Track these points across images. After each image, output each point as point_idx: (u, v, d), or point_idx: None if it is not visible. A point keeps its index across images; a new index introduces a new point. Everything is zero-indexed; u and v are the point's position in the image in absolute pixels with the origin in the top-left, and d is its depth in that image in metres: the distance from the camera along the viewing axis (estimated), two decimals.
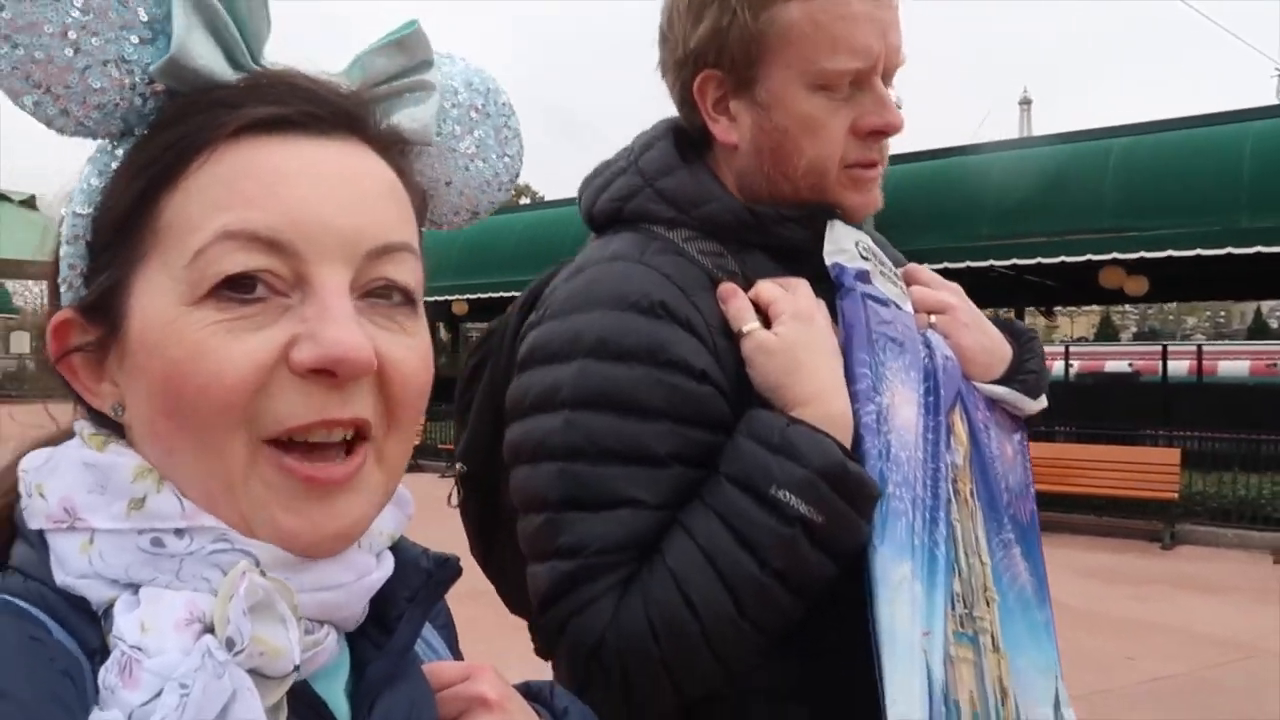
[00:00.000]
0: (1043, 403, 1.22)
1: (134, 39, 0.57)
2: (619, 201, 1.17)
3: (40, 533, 0.57)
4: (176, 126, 0.57)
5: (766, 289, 1.09)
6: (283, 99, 0.58)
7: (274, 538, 0.56)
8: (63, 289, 0.61)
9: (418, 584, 0.67)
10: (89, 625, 0.54)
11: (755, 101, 1.12)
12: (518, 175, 0.80)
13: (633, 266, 1.08)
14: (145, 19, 0.57)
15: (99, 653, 0.53)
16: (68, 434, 0.62)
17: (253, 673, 0.52)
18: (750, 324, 1.06)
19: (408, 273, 0.61)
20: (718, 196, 1.13)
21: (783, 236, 1.13)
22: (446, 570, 0.69)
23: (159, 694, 0.50)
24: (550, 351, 1.06)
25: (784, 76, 1.10)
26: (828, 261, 1.13)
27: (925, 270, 1.24)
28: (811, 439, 0.98)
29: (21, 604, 0.54)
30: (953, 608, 1.05)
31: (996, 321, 1.26)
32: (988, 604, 1.11)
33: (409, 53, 0.67)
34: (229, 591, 0.53)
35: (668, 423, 1.02)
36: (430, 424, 14.35)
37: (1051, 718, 1.14)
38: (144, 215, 0.57)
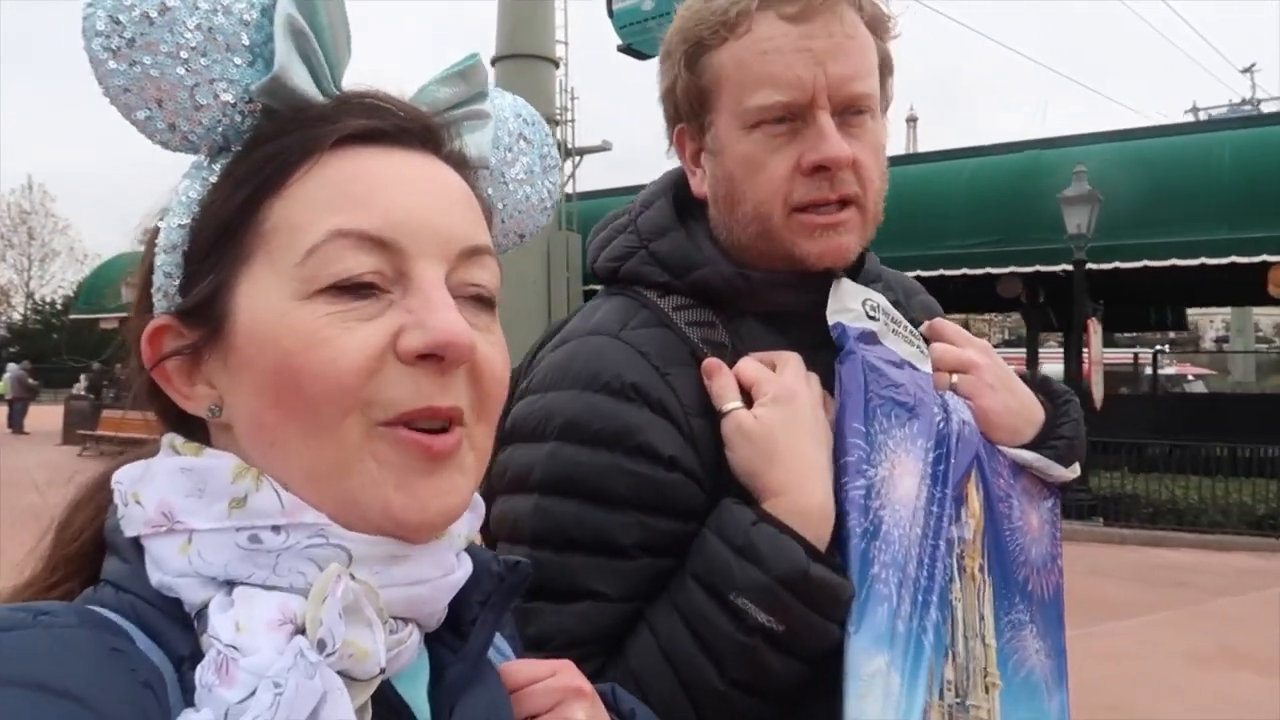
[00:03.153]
0: (1076, 471, 1.17)
1: (237, 60, 0.63)
2: (616, 262, 1.18)
3: (135, 541, 0.61)
4: (278, 140, 0.63)
5: (749, 369, 1.07)
6: (375, 114, 0.65)
7: (383, 517, 0.60)
8: (157, 298, 0.65)
9: (490, 588, 0.70)
10: (180, 632, 0.58)
11: (708, 150, 1.14)
12: (558, 201, 0.87)
13: (609, 343, 1.09)
14: (247, 43, 0.63)
15: (188, 659, 0.56)
16: (151, 453, 0.65)
17: (341, 674, 0.55)
18: (731, 403, 1.04)
19: (490, 276, 0.67)
20: (709, 261, 1.12)
21: (777, 302, 1.12)
22: (518, 574, 0.72)
23: (254, 692, 0.52)
24: (527, 430, 1.07)
25: (725, 121, 1.11)
26: (830, 321, 1.10)
27: (951, 326, 1.21)
28: (775, 541, 0.96)
29: (108, 614, 0.58)
30: (941, 697, 1.01)
31: (1030, 380, 1.21)
32: (986, 690, 1.06)
33: (470, 83, 0.73)
34: (321, 593, 0.56)
35: (634, 513, 1.02)
36: None
37: None
38: (248, 221, 0.62)
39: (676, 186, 1.20)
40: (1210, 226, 10.20)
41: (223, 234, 0.62)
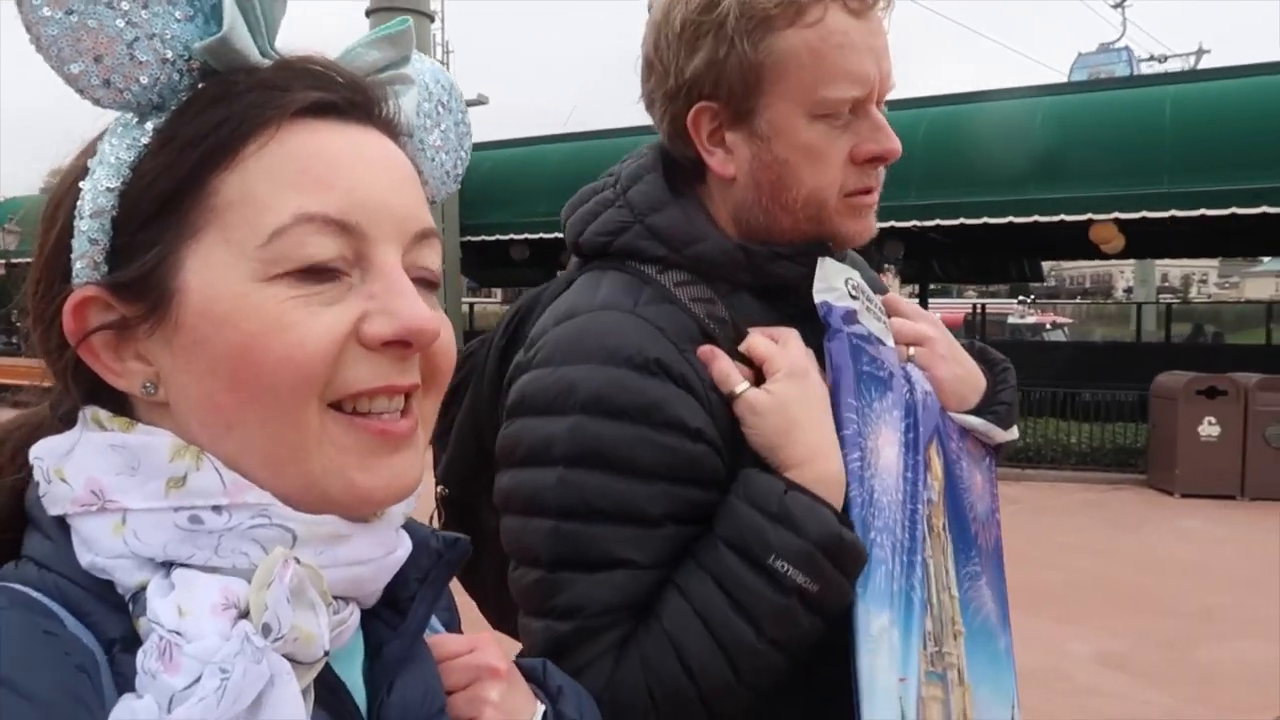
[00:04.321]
0: (1014, 433, 1.29)
1: (178, 15, 0.61)
2: (608, 236, 1.19)
3: (60, 520, 0.60)
4: (226, 104, 0.61)
5: (759, 344, 1.12)
6: (325, 84, 0.64)
7: (348, 497, 0.61)
8: (79, 264, 0.61)
9: (429, 565, 0.71)
10: (109, 614, 0.57)
11: (754, 133, 1.15)
12: (465, 168, 0.87)
13: (625, 318, 1.11)
14: None
15: (118, 642, 0.56)
16: (59, 419, 0.65)
17: (285, 658, 0.56)
18: (740, 385, 1.09)
19: (438, 259, 0.68)
20: (709, 235, 1.16)
21: (775, 274, 1.17)
22: (457, 551, 0.73)
23: (198, 678, 0.52)
24: (543, 403, 1.09)
25: (784, 107, 1.12)
26: (816, 300, 1.16)
27: (904, 301, 1.30)
28: (809, 508, 1.03)
29: (34, 595, 0.57)
30: (925, 647, 1.11)
31: (970, 349, 1.32)
32: (955, 638, 1.16)
33: (398, 47, 0.72)
34: (267, 578, 0.56)
35: (661, 483, 1.05)
36: None
37: None
38: (194, 191, 0.60)
39: (663, 161, 1.22)
40: (1034, 187, 11.04)
41: (165, 204, 0.60)
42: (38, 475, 0.61)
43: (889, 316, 1.25)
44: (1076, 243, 12.57)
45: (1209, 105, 11.04)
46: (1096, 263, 44.34)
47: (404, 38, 0.72)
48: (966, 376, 1.26)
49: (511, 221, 13.97)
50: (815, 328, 1.16)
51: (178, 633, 0.54)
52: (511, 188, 13.81)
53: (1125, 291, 47.55)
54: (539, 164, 14.38)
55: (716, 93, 1.13)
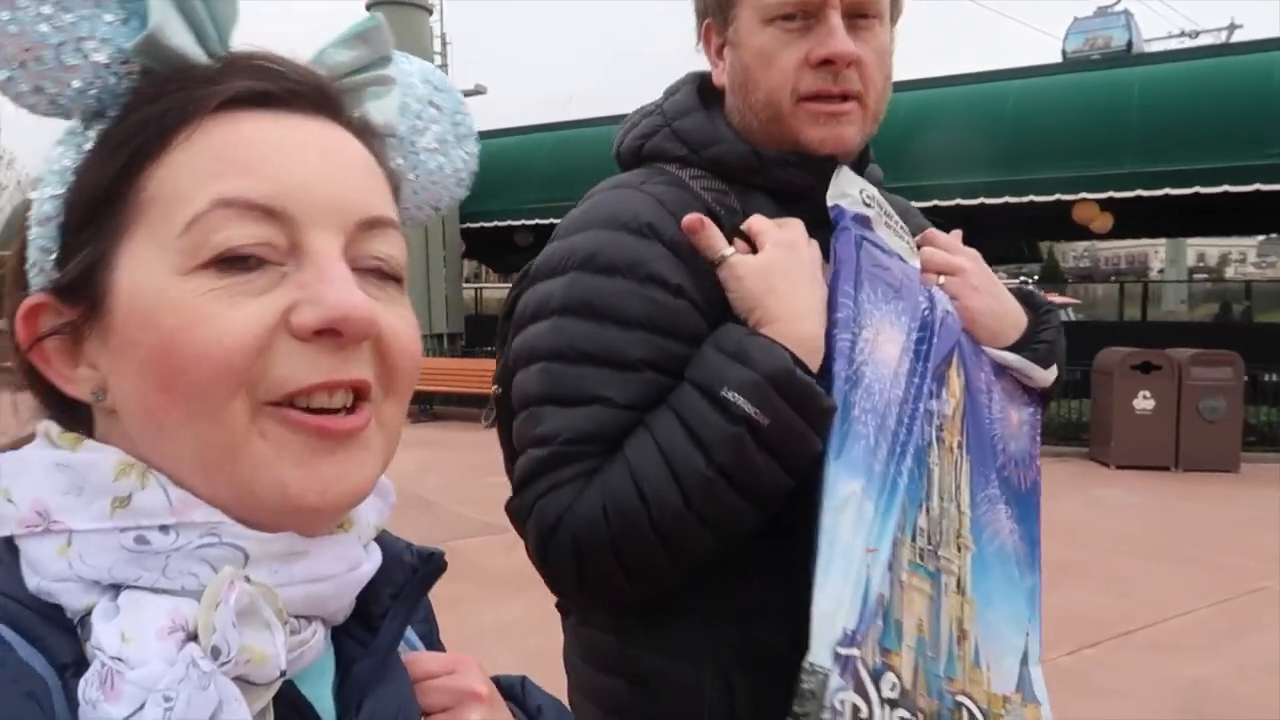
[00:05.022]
0: (1053, 374, 1.32)
1: (108, 17, 0.60)
2: (641, 139, 1.32)
3: (9, 541, 0.59)
4: (156, 103, 0.60)
5: (756, 220, 1.20)
6: (263, 75, 0.62)
7: (281, 499, 0.58)
8: (32, 274, 0.61)
9: (402, 580, 0.70)
10: (60, 637, 0.56)
11: (731, 43, 1.27)
12: (475, 172, 0.84)
13: (631, 192, 1.24)
14: None
15: (70, 667, 0.55)
16: (29, 438, 0.63)
17: (238, 680, 0.54)
18: (726, 250, 1.17)
19: (394, 248, 0.65)
20: (726, 139, 1.27)
21: (786, 180, 1.24)
22: (431, 565, 0.72)
23: (141, 706, 0.51)
24: (550, 267, 1.22)
25: (746, 15, 1.24)
26: (829, 203, 1.23)
27: (944, 235, 1.36)
28: (765, 347, 1.10)
29: None
30: (914, 540, 1.14)
31: (1016, 292, 1.36)
32: (959, 549, 1.19)
33: (371, 47, 0.70)
34: (214, 599, 0.55)
35: (642, 332, 1.15)
36: None
37: (1016, 670, 1.24)
38: (125, 190, 0.59)
39: (700, 79, 1.34)
40: (1001, 169, 11.43)
41: (99, 204, 0.59)
42: None
43: (925, 246, 1.32)
44: (1062, 223, 12.90)
45: (1176, 85, 11.56)
46: (1129, 242, 44.21)
47: (377, 35, 0.70)
48: (1003, 311, 1.30)
49: (511, 208, 14.47)
50: (828, 237, 1.22)
51: (120, 659, 0.53)
52: (510, 175, 14.18)
53: (1159, 272, 47.11)
54: (536, 151, 14.93)
55: (708, 9, 1.30)
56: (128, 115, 0.61)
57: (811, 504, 1.09)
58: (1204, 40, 31.14)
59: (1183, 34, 34.56)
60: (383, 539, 0.71)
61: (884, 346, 1.17)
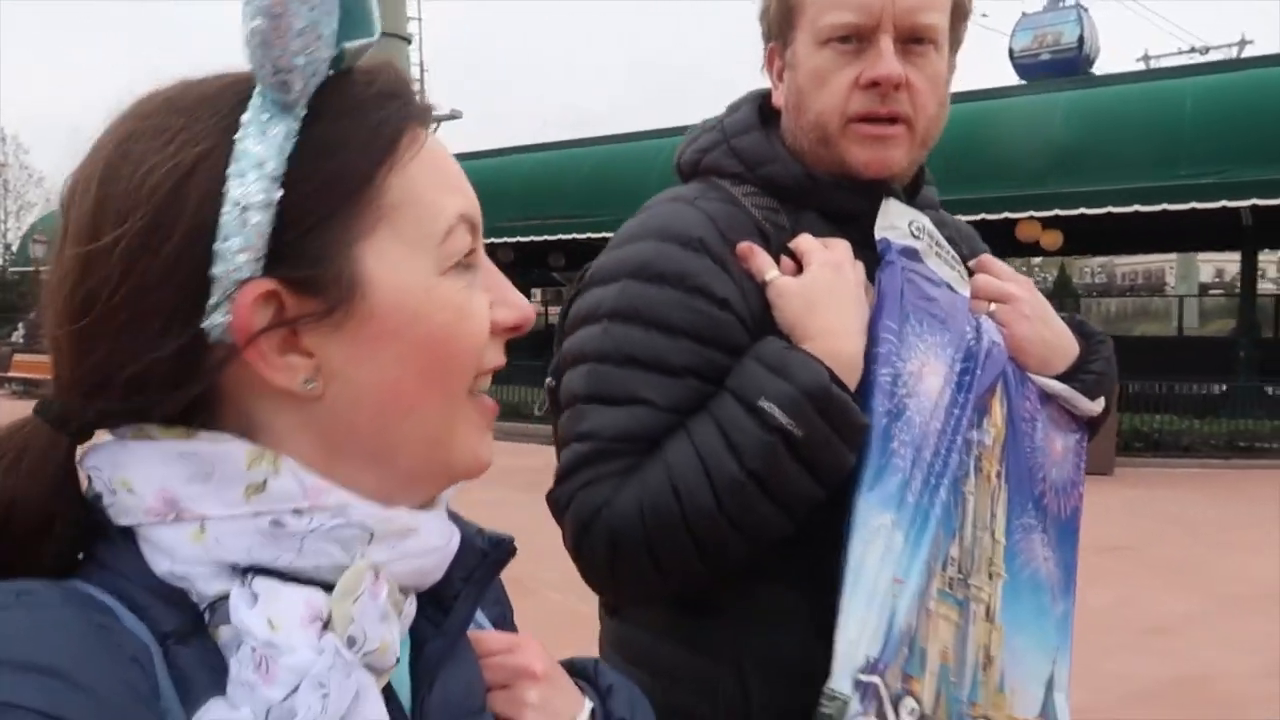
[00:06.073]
0: (1100, 405, 1.37)
1: (333, 16, 0.62)
2: (700, 153, 1.38)
3: (127, 529, 0.62)
4: (372, 108, 0.64)
5: (804, 239, 1.27)
6: (411, 91, 0.68)
7: (472, 465, 0.69)
8: (241, 258, 0.59)
9: (473, 564, 0.74)
10: (164, 608, 0.60)
11: (790, 65, 1.33)
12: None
13: (684, 207, 1.30)
14: None
15: (172, 635, 0.59)
16: (57, 426, 0.62)
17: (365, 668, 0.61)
18: (772, 272, 1.24)
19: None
20: (781, 159, 1.32)
21: (838, 203, 1.31)
22: (501, 550, 0.76)
23: (295, 690, 0.56)
24: (602, 275, 1.29)
25: (803, 38, 1.29)
26: (876, 235, 1.29)
27: (998, 263, 1.42)
28: (803, 362, 1.15)
29: (90, 590, 0.59)
30: (945, 569, 1.19)
31: (1069, 321, 1.41)
32: (990, 577, 1.24)
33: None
34: (353, 590, 0.60)
35: (686, 340, 1.21)
36: None
37: (1040, 697, 1.27)
38: (368, 190, 0.63)
39: (761, 99, 1.40)
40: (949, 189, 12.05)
41: (344, 202, 0.62)
42: (98, 486, 0.62)
43: (978, 273, 1.37)
44: (1006, 240, 13.26)
45: (1102, 107, 12.57)
46: (1147, 257, 44.69)
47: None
48: (1053, 340, 1.34)
49: (491, 226, 14.79)
50: (875, 258, 1.28)
51: (272, 644, 0.57)
52: (487, 196, 14.69)
53: (1169, 287, 47.24)
54: (512, 172, 15.40)
55: (771, 33, 1.36)
56: (346, 116, 0.63)
57: (840, 516, 1.15)
58: (1214, 57, 31.23)
59: (1192, 50, 34.71)
60: (454, 519, 0.74)
61: (927, 379, 1.21)
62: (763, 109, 1.39)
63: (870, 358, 1.19)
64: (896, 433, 1.17)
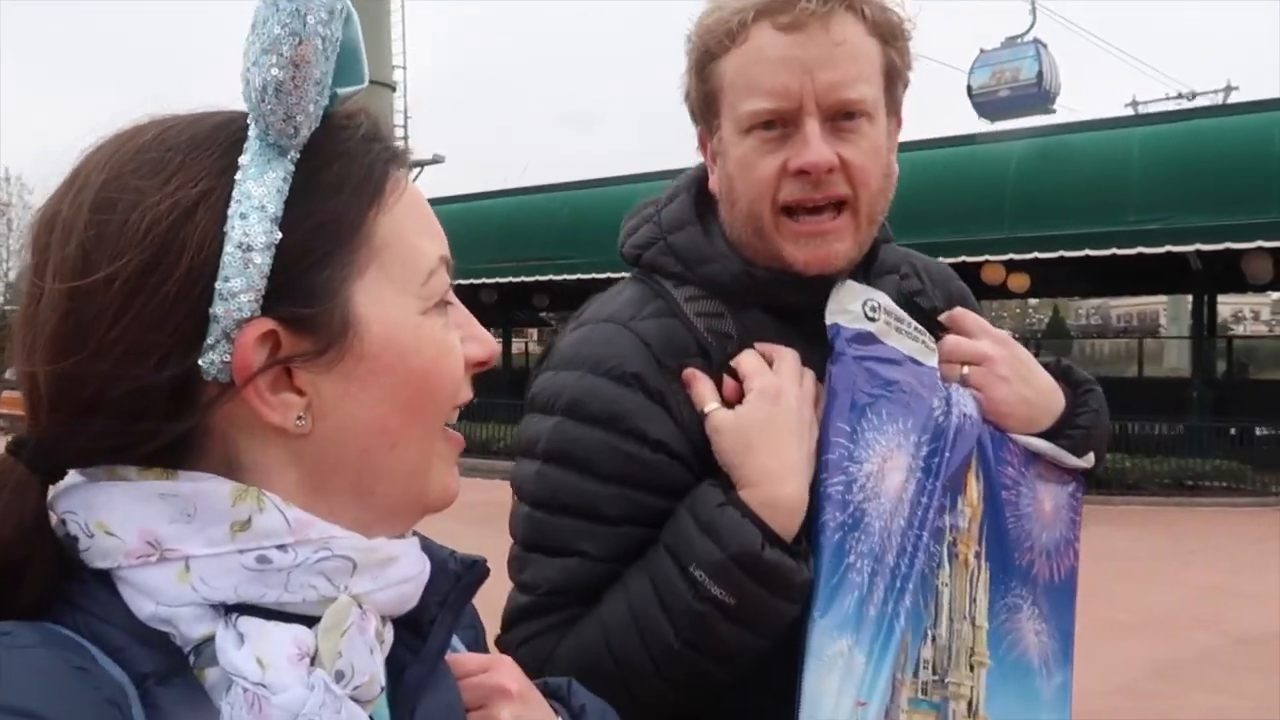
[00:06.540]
0: (1090, 460, 1.29)
1: (334, 63, 0.65)
2: (638, 249, 1.34)
3: (100, 571, 0.62)
4: (359, 151, 0.67)
5: (746, 361, 1.22)
6: (392, 137, 0.71)
7: (442, 496, 0.72)
8: (243, 298, 0.60)
9: (447, 588, 0.75)
10: (141, 649, 0.60)
11: (716, 151, 1.29)
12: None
13: (619, 331, 1.25)
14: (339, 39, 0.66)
15: (150, 676, 0.59)
16: (30, 466, 0.62)
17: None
18: (710, 405, 1.19)
19: None
20: (720, 257, 1.27)
21: (782, 299, 1.23)
22: (474, 573, 0.77)
23: None
24: (540, 402, 1.26)
25: (727, 126, 1.25)
26: (827, 321, 1.21)
27: (972, 317, 1.33)
28: (735, 524, 1.11)
29: (65, 632, 0.60)
30: (916, 675, 1.14)
31: (1053, 368, 1.33)
32: (972, 668, 1.18)
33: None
34: (339, 625, 0.61)
35: (619, 487, 1.18)
36: None
37: None
38: (359, 232, 0.65)
39: (698, 183, 1.35)
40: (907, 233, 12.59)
41: (342, 242, 0.64)
42: (74, 529, 0.62)
43: (951, 333, 1.29)
44: (972, 283, 13.87)
45: (1055, 154, 13.51)
46: (1135, 299, 45.32)
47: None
48: (1035, 398, 1.27)
49: (471, 268, 15.53)
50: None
51: (263, 685, 0.57)
52: (466, 238, 15.13)
53: (1162, 328, 48.14)
54: (490, 216, 16.44)
55: (696, 117, 1.32)
56: (335, 159, 0.65)
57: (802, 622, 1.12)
58: (1201, 103, 31.77)
59: (1179, 95, 35.11)
60: (427, 546, 0.75)
61: (889, 475, 1.16)
62: (699, 196, 1.33)
63: (820, 465, 1.14)
64: (852, 545, 1.12)
